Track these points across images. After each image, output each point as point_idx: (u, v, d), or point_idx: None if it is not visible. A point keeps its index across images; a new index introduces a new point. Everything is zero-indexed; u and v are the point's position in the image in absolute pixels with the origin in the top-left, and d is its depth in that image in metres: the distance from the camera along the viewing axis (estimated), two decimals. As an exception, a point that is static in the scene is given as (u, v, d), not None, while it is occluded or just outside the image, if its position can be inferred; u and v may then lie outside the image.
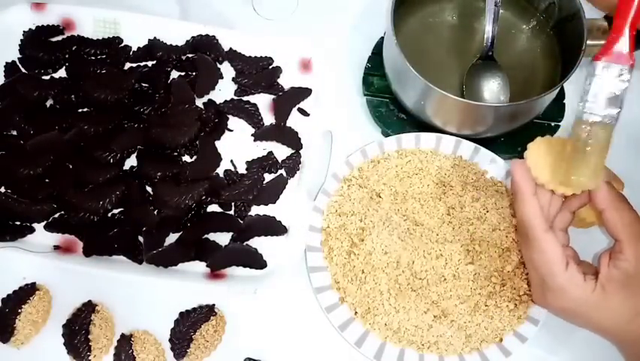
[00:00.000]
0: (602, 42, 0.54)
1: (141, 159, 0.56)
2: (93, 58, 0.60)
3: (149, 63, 0.60)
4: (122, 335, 0.50)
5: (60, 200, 0.53)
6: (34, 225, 0.53)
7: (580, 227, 0.56)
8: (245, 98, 0.59)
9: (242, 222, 0.54)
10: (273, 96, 0.60)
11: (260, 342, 0.51)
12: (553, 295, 0.43)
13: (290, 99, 0.59)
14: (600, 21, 0.55)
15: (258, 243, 0.53)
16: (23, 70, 0.59)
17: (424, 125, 0.57)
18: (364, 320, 0.50)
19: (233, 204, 0.55)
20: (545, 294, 0.44)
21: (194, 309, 0.51)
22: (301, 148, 0.58)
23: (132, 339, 0.50)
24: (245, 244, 0.53)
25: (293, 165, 0.57)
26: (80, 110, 0.58)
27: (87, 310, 0.50)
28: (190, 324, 0.50)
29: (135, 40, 0.61)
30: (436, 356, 0.49)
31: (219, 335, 0.51)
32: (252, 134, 0.57)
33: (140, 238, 0.53)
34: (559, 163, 0.43)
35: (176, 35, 0.60)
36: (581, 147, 0.41)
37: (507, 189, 0.54)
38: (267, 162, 0.57)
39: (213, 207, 0.55)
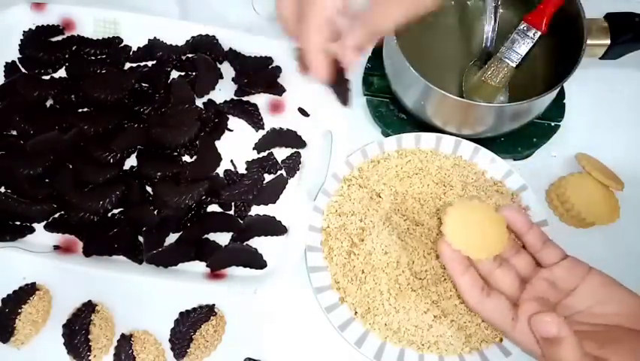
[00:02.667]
0: (603, 42, 0.55)
1: (141, 159, 0.56)
2: (93, 58, 0.60)
3: (149, 63, 0.60)
4: (122, 335, 0.50)
5: (60, 200, 0.53)
6: (34, 225, 0.53)
7: (580, 227, 0.56)
8: (245, 98, 0.59)
9: (242, 222, 0.54)
10: (273, 96, 0.60)
11: (260, 342, 0.51)
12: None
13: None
14: (600, 21, 0.55)
15: (258, 243, 0.54)
16: (23, 70, 0.59)
17: (424, 125, 0.57)
18: (364, 320, 0.50)
19: (233, 204, 0.55)
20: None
21: (194, 309, 0.51)
22: (304, 146, 0.58)
23: (132, 339, 0.50)
24: (245, 244, 0.53)
25: (293, 165, 0.57)
26: (80, 110, 0.58)
27: (87, 310, 0.50)
28: (190, 324, 0.50)
29: (135, 40, 0.61)
30: (436, 356, 0.49)
31: (219, 335, 0.51)
32: (254, 147, 0.57)
33: (140, 238, 0.53)
34: (471, 228, 0.45)
35: (176, 35, 0.60)
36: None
37: (507, 189, 0.55)
38: (267, 162, 0.57)
39: (213, 207, 0.55)
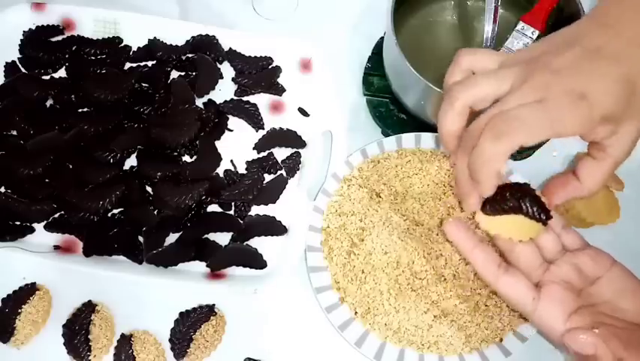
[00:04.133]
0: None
1: (141, 159, 0.56)
2: (93, 58, 0.60)
3: (149, 63, 0.60)
4: (122, 335, 0.50)
5: (60, 200, 0.53)
6: (34, 225, 0.53)
7: (580, 227, 0.56)
8: (245, 98, 0.59)
9: (242, 222, 0.54)
10: (273, 96, 0.60)
11: (260, 342, 0.51)
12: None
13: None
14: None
15: (258, 243, 0.54)
16: (23, 70, 0.59)
17: (424, 125, 0.57)
18: (364, 320, 0.50)
19: (233, 204, 0.55)
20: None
21: (194, 309, 0.51)
22: (304, 146, 0.58)
23: (132, 339, 0.50)
24: (245, 244, 0.53)
25: (293, 165, 0.57)
26: (79, 110, 0.58)
27: (87, 310, 0.50)
28: (190, 324, 0.50)
29: (135, 40, 0.61)
30: (436, 356, 0.49)
31: (219, 335, 0.51)
32: (254, 147, 0.57)
33: (140, 238, 0.53)
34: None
35: (176, 35, 0.60)
36: None
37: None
38: (267, 162, 0.57)
39: (213, 207, 0.55)
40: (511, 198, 0.42)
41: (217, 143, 0.57)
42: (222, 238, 0.54)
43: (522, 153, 0.58)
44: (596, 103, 0.36)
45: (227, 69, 0.61)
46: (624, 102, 0.37)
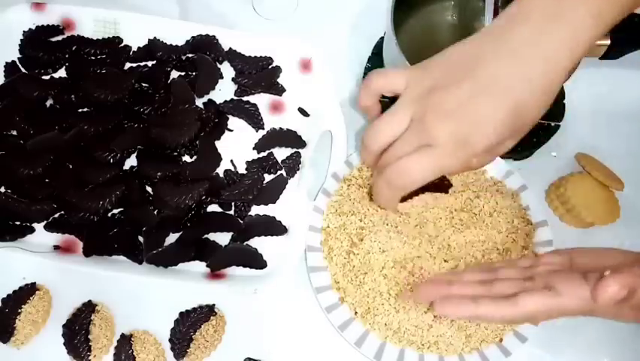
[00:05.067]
0: (602, 42, 0.55)
1: (141, 159, 0.56)
2: (93, 58, 0.60)
3: (149, 63, 0.60)
4: (122, 335, 0.50)
5: (60, 200, 0.53)
6: (34, 225, 0.53)
7: (580, 227, 0.56)
8: (245, 98, 0.59)
9: (242, 222, 0.54)
10: (273, 96, 0.60)
11: (260, 342, 0.51)
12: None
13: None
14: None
15: (258, 243, 0.54)
16: (23, 70, 0.59)
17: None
18: (364, 320, 0.50)
19: (233, 204, 0.55)
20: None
21: (194, 309, 0.51)
22: (304, 146, 0.58)
23: (132, 339, 0.50)
24: (245, 244, 0.53)
25: (293, 165, 0.57)
26: (79, 110, 0.58)
27: (87, 310, 0.50)
28: (190, 324, 0.50)
29: (135, 40, 0.61)
30: (436, 356, 0.49)
31: (219, 335, 0.51)
32: (254, 147, 0.57)
33: (140, 238, 0.53)
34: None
35: (176, 35, 0.60)
36: None
37: (507, 189, 0.54)
38: (267, 162, 0.57)
39: (213, 207, 0.55)
40: None
41: (217, 143, 0.57)
42: (222, 238, 0.54)
43: (522, 153, 0.58)
44: (480, 142, 0.39)
45: (227, 69, 0.61)
46: (509, 130, 0.40)
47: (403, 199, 0.51)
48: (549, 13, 0.38)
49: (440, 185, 0.53)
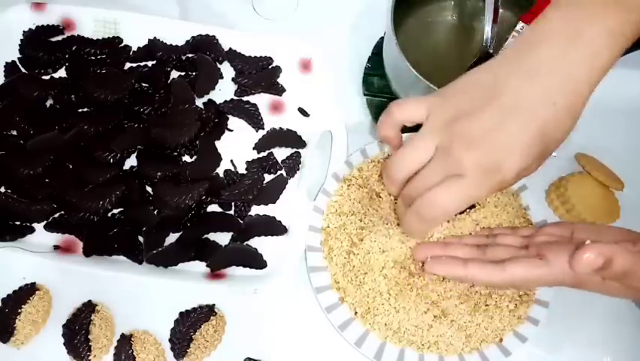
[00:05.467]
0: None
1: (141, 159, 0.56)
2: (93, 58, 0.60)
3: (149, 63, 0.60)
4: (122, 335, 0.50)
5: (60, 200, 0.53)
6: (34, 225, 0.53)
7: (580, 227, 0.56)
8: (245, 98, 0.59)
9: (242, 222, 0.54)
10: (273, 96, 0.60)
11: (260, 342, 0.51)
12: None
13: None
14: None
15: (258, 243, 0.54)
16: (23, 70, 0.59)
17: (424, 125, 0.57)
18: (364, 320, 0.50)
19: (233, 204, 0.55)
20: None
21: (194, 309, 0.51)
22: (304, 146, 0.58)
23: (132, 339, 0.50)
24: (245, 244, 0.53)
25: (293, 165, 0.57)
26: (79, 110, 0.58)
27: (87, 310, 0.50)
28: (190, 324, 0.50)
29: (135, 40, 0.61)
30: (436, 356, 0.49)
31: (219, 335, 0.51)
32: (254, 147, 0.57)
33: (140, 238, 0.53)
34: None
35: (176, 35, 0.60)
36: None
37: (507, 189, 0.54)
38: (267, 162, 0.57)
39: (213, 207, 0.55)
40: None
41: (217, 143, 0.57)
42: (222, 238, 0.54)
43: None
44: (509, 170, 0.39)
45: (227, 69, 0.61)
46: (537, 155, 0.40)
47: None
48: (566, 34, 0.38)
49: None
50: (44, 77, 0.59)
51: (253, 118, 0.58)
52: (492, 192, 0.41)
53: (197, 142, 0.56)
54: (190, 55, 0.60)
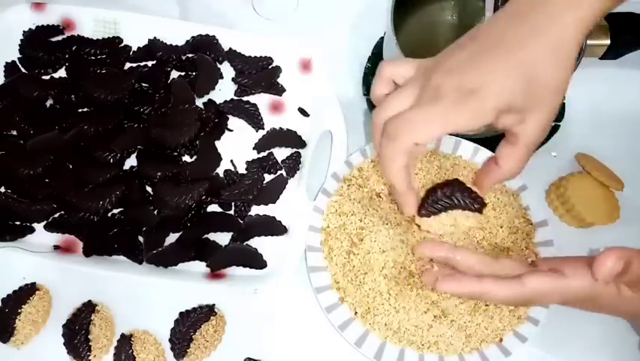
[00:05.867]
0: (603, 42, 0.55)
1: (141, 159, 0.56)
2: (93, 58, 0.60)
3: (149, 63, 0.60)
4: (122, 335, 0.50)
5: (60, 200, 0.53)
6: (34, 225, 0.53)
7: (580, 227, 0.56)
8: (245, 98, 0.59)
9: (242, 222, 0.54)
10: (273, 96, 0.60)
11: (260, 342, 0.51)
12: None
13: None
14: (600, 21, 0.55)
15: (258, 243, 0.54)
16: (23, 70, 0.59)
17: (424, 125, 0.57)
18: (364, 320, 0.50)
19: (233, 204, 0.55)
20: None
21: (194, 309, 0.51)
22: (304, 146, 0.58)
23: (132, 339, 0.50)
24: (245, 244, 0.53)
25: (293, 165, 0.57)
26: (79, 110, 0.58)
27: (87, 310, 0.51)
28: (190, 324, 0.50)
29: (135, 40, 0.61)
30: (436, 356, 0.49)
31: (219, 335, 0.51)
32: (254, 147, 0.57)
33: (140, 238, 0.53)
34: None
35: (176, 35, 0.60)
36: None
37: (507, 189, 0.54)
38: (267, 162, 0.57)
39: (213, 207, 0.55)
40: (442, 197, 0.47)
41: (217, 143, 0.57)
42: (222, 238, 0.54)
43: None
44: (488, 96, 0.38)
45: (227, 69, 0.61)
46: (521, 92, 0.38)
47: (429, 213, 0.48)
48: None
49: (472, 196, 0.48)
50: (44, 77, 0.59)
51: (253, 118, 0.58)
52: (469, 122, 0.38)
53: (197, 142, 0.56)
54: (190, 55, 0.60)
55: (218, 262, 0.52)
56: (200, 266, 0.52)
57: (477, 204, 0.47)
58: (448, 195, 0.47)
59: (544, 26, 0.37)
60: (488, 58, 0.38)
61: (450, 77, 0.39)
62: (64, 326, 0.50)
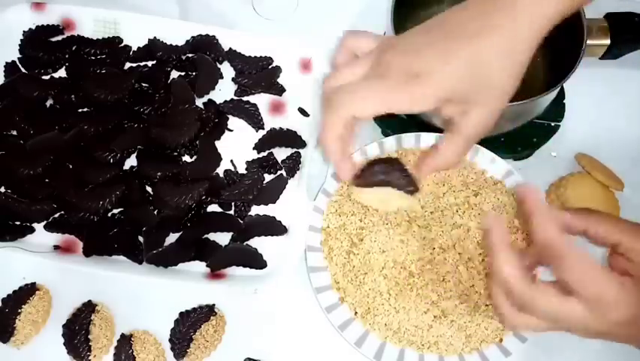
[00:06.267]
0: (603, 42, 0.55)
1: (141, 159, 0.56)
2: (93, 58, 0.60)
3: (149, 63, 0.60)
4: (122, 335, 0.50)
5: (60, 200, 0.53)
6: (34, 225, 0.53)
7: (580, 227, 0.56)
8: (245, 98, 0.59)
9: (242, 222, 0.54)
10: (273, 96, 0.60)
11: (260, 342, 0.51)
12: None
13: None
14: (600, 21, 0.55)
15: (258, 243, 0.54)
16: (23, 70, 0.59)
17: (423, 125, 0.57)
18: (364, 320, 0.50)
19: (233, 204, 0.55)
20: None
21: (194, 309, 0.51)
22: (304, 146, 0.58)
23: (132, 339, 0.50)
24: (245, 244, 0.53)
25: (293, 165, 0.57)
26: (80, 110, 0.58)
27: (87, 310, 0.50)
28: (190, 324, 0.50)
29: (135, 40, 0.61)
30: (436, 356, 0.49)
31: (219, 335, 0.51)
32: (254, 147, 0.57)
33: (140, 238, 0.53)
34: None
35: (176, 35, 0.60)
36: None
37: (507, 189, 0.54)
38: (267, 162, 0.57)
39: (213, 207, 0.55)
40: (379, 172, 0.47)
41: (217, 143, 0.57)
42: (222, 238, 0.54)
43: (521, 153, 0.58)
44: (430, 83, 0.38)
45: (227, 69, 0.61)
46: (466, 86, 0.39)
47: (362, 184, 0.47)
48: None
49: (408, 178, 0.47)
50: (44, 77, 0.59)
51: (253, 118, 0.58)
52: (408, 105, 0.39)
53: (197, 142, 0.56)
54: (190, 55, 0.60)
55: (218, 262, 0.52)
56: (200, 266, 0.52)
57: (411, 186, 0.47)
58: (386, 172, 0.47)
59: (502, 23, 0.38)
60: (444, 46, 0.39)
61: (402, 57, 0.39)
62: (64, 326, 0.50)
